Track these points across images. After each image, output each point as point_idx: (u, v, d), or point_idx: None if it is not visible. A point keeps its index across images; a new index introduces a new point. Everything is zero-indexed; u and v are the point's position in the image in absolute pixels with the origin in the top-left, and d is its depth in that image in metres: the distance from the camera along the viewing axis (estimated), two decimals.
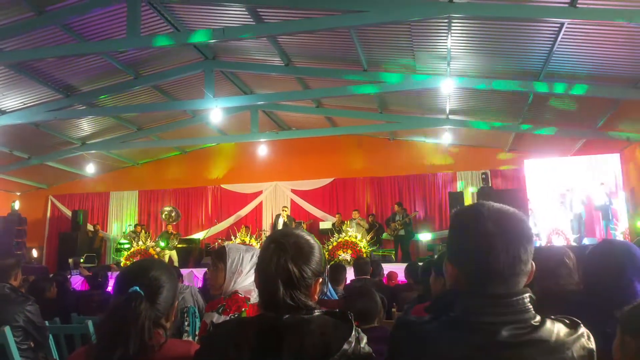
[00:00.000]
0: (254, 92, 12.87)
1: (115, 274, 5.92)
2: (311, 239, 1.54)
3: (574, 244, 10.93)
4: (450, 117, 12.47)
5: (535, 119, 11.77)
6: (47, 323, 4.15)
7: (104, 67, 10.28)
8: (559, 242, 11.21)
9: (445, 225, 14.04)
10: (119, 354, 1.53)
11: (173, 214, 14.81)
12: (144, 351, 1.57)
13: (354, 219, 13.52)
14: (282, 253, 1.44)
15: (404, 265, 7.13)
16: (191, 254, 14.75)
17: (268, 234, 13.18)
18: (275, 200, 15.95)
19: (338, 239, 12.07)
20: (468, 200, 14.02)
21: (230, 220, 15.93)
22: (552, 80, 9.21)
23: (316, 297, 1.51)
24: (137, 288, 1.64)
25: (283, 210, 14.35)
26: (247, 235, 12.86)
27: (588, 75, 8.91)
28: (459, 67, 9.55)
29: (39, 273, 9.80)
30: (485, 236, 1.34)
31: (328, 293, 4.23)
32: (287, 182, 15.95)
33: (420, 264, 5.12)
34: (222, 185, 16.42)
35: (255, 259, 2.44)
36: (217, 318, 2.43)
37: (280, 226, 13.66)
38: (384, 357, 1.50)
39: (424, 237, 14.54)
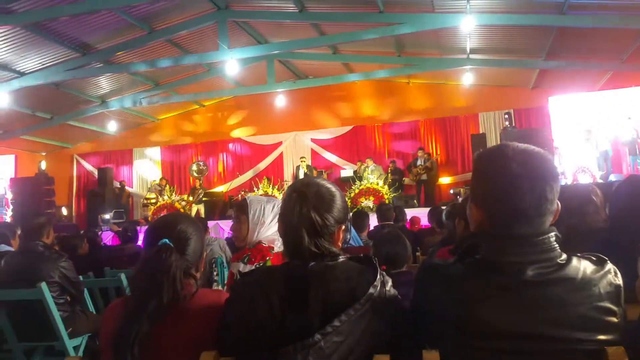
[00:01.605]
0: (268, 42, 12.65)
1: (144, 228, 6.00)
2: (332, 187, 1.53)
3: (600, 181, 10.62)
4: (471, 56, 12.16)
5: (560, 54, 11.41)
6: (81, 278, 4.22)
7: (117, 23, 10.15)
8: (585, 179, 11.00)
9: (468, 169, 13.94)
10: (154, 303, 1.57)
11: (204, 168, 15.05)
12: (176, 300, 1.60)
13: (368, 166, 13.40)
14: (304, 202, 1.45)
15: (427, 210, 7.12)
16: (215, 207, 14.87)
17: (290, 184, 13.77)
18: (296, 151, 15.94)
19: (360, 186, 12.07)
20: (491, 142, 13.78)
21: (252, 172, 16.04)
22: (577, 12, 8.86)
23: (340, 244, 1.51)
24: (167, 240, 1.67)
25: (302, 161, 14.38)
26: (269, 187, 12.91)
27: (618, 6, 8.52)
28: (479, 3, 9.22)
29: (70, 230, 9.95)
30: (510, 177, 1.33)
31: (352, 240, 4.27)
32: (307, 132, 15.89)
33: (444, 208, 5.11)
34: (242, 138, 16.48)
35: (277, 209, 2.48)
36: (242, 267, 2.46)
37: (302, 176, 13.74)
38: (411, 299, 1.52)
39: (446, 180, 14.41)
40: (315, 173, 14.30)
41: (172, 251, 1.64)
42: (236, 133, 16.63)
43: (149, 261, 1.63)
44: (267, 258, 2.46)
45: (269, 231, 2.58)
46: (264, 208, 2.60)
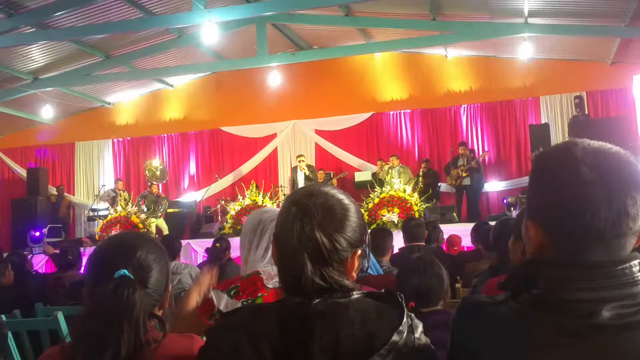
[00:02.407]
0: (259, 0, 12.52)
1: (90, 250, 6.04)
2: (345, 198, 1.52)
3: None
4: (530, 21, 12.08)
5: None
6: (3, 318, 4.15)
7: None
8: None
9: (525, 171, 13.85)
10: (109, 355, 1.56)
11: (158, 172, 14.89)
12: (138, 350, 1.60)
13: (393, 167, 13.54)
14: (307, 218, 1.42)
15: (471, 225, 7.09)
16: (185, 221, 14.94)
17: (287, 192, 13.40)
18: (294, 145, 15.98)
19: (380, 194, 12.02)
20: (556, 135, 13.69)
21: (234, 175, 15.97)
22: None
23: (354, 274, 1.50)
24: (126, 272, 1.67)
25: (300, 161, 14.26)
26: (258, 195, 12.82)
27: None
28: None
29: None
30: (579, 185, 1.32)
31: (370, 268, 4.23)
32: (309, 121, 15.88)
33: (493, 223, 5.08)
34: (222, 129, 16.43)
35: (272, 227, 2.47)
36: (226, 302, 2.45)
37: (301, 183, 13.64)
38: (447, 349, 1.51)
39: (497, 187, 14.31)
40: (320, 177, 14.26)
41: (134, 287, 1.64)
42: (215, 122, 16.50)
43: (104, 300, 1.62)
44: (259, 295, 2.45)
45: (263, 260, 2.59)
46: (255, 227, 2.62)
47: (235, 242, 7.44)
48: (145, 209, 13.55)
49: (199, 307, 2.37)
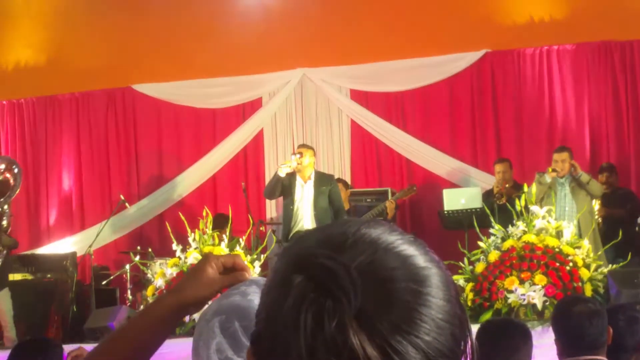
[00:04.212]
0: None
1: None
2: (418, 253, 0.90)
3: None
4: None
5: None
6: None
7: None
8: None
9: None
10: None
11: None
12: None
13: (544, 176, 9.34)
14: (332, 303, 0.84)
15: None
16: (53, 302, 10.13)
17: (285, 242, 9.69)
18: (299, 124, 11.16)
19: (507, 238, 8.42)
20: None
21: (165, 192, 11.22)
22: None
23: None
24: None
25: (302, 157, 9.26)
26: (222, 239, 8.35)
27: None
28: None
29: None
30: None
31: None
32: (334, 70, 11.24)
33: None
34: (135, 87, 11.38)
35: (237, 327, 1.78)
36: None
37: (305, 212, 9.16)
38: None
39: None
40: (345, 197, 10.01)
41: None
42: (130, 75, 11.52)
43: None
44: None
45: None
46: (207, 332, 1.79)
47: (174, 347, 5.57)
48: None
49: None
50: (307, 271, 0.87)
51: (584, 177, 9.03)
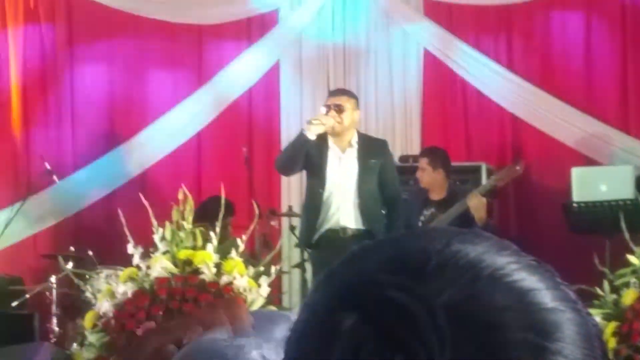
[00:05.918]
0: None
1: None
2: (544, 286, 0.68)
3: None
4: None
5: None
6: None
7: None
8: None
9: None
10: None
11: None
12: None
13: None
14: None
15: None
16: None
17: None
18: (334, 57, 8.94)
19: None
20: None
21: (117, 163, 9.08)
22: None
23: None
24: None
25: (334, 107, 6.99)
26: (212, 243, 6.35)
27: None
28: None
29: None
30: None
31: None
32: None
33: None
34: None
35: None
36: None
37: (346, 202, 6.92)
38: None
39: None
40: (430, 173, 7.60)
41: None
42: None
43: None
44: None
45: None
46: None
47: None
48: None
49: None
50: (364, 310, 0.74)
51: None
